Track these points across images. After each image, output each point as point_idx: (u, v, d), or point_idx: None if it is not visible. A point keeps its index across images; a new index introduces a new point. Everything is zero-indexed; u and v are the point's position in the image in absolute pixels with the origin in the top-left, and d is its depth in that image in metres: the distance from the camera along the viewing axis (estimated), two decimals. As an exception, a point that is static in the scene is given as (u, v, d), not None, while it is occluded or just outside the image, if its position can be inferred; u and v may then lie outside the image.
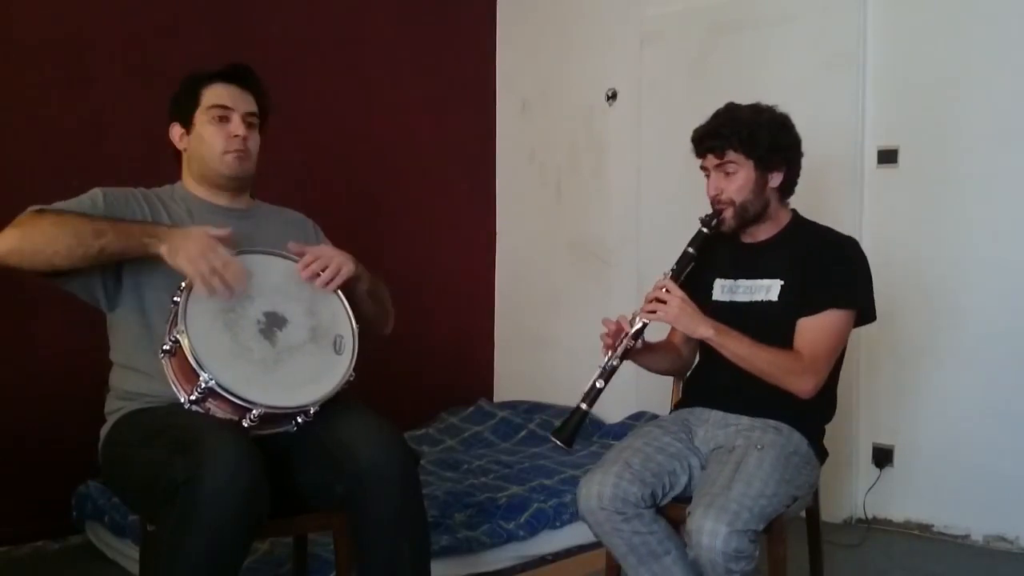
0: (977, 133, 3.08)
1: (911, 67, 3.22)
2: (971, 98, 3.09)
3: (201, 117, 1.97)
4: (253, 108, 2.01)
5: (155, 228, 1.81)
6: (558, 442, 1.98)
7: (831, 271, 2.02)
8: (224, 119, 1.97)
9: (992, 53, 3.04)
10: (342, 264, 1.93)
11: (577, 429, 1.98)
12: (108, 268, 1.84)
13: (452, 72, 4.17)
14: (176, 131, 2.01)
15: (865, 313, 2.06)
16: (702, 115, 2.15)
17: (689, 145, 2.13)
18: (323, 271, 1.91)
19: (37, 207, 1.79)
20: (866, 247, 2.13)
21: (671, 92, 3.73)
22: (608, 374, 1.99)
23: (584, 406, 1.98)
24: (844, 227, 3.14)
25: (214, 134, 1.96)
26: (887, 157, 3.25)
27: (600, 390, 1.99)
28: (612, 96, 3.94)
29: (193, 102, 1.98)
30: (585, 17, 4.04)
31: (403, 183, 3.99)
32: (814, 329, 1.99)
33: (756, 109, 2.08)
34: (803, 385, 1.97)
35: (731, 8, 3.59)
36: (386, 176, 3.93)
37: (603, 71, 3.97)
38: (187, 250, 1.73)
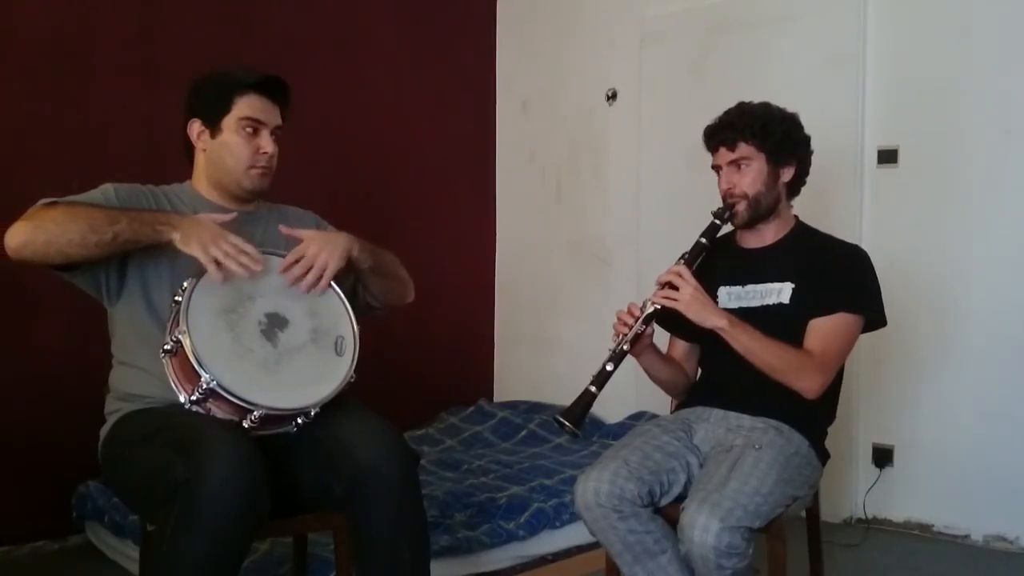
0: (977, 133, 3.07)
1: (911, 67, 3.22)
2: (971, 98, 3.09)
3: (230, 124, 1.94)
4: (279, 122, 2.00)
5: (167, 216, 1.82)
6: (567, 423, 1.92)
7: (844, 275, 2.04)
8: (255, 132, 1.95)
9: (992, 53, 3.04)
10: (327, 262, 1.88)
11: (586, 411, 1.95)
12: (112, 262, 1.84)
13: (452, 72, 4.17)
14: (196, 128, 1.97)
15: (875, 319, 2.08)
16: (702, 115, 2.15)
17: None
18: (307, 273, 1.87)
19: (48, 199, 1.77)
20: (866, 247, 2.14)
21: (671, 92, 3.73)
22: (619, 357, 1.99)
23: (593, 389, 1.96)
24: (844, 227, 3.19)
25: (242, 146, 1.94)
26: (887, 157, 3.25)
27: (610, 373, 1.97)
28: (612, 96, 3.94)
29: (224, 107, 1.94)
30: (585, 17, 4.04)
31: (403, 183, 3.99)
32: (826, 330, 2.00)
33: (767, 106, 2.11)
34: (811, 383, 1.96)
35: (731, 8, 3.59)
36: (386, 176, 3.93)
37: (603, 71, 3.96)
38: (200, 237, 1.75)
